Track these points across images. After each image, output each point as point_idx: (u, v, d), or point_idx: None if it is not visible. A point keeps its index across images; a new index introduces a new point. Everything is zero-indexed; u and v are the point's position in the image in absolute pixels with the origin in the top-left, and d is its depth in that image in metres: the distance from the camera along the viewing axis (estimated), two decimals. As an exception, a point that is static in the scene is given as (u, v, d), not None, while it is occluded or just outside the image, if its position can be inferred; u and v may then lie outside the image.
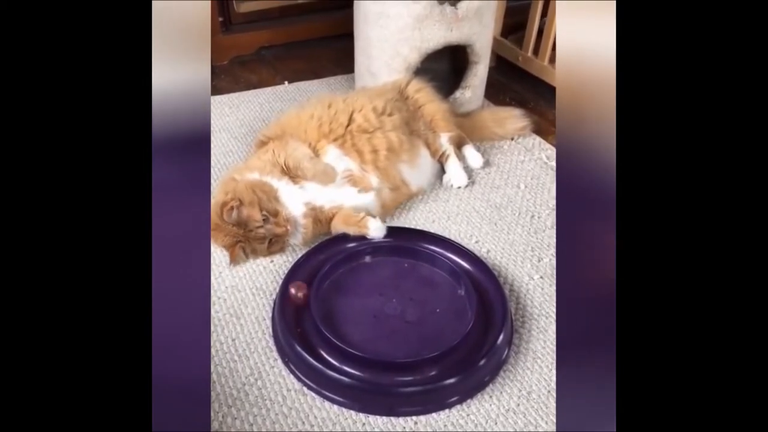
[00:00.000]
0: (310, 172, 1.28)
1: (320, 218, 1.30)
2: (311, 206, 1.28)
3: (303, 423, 0.96)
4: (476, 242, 1.33)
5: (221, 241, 1.23)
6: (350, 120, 1.37)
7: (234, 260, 1.23)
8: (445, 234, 1.32)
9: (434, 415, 0.98)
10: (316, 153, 1.33)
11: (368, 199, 1.33)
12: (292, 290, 1.12)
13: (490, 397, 1.01)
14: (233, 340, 1.10)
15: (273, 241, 1.25)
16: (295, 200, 1.27)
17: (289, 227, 1.23)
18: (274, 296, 1.18)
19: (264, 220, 1.21)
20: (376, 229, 1.26)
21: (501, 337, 1.03)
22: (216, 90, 1.94)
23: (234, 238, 1.22)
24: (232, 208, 1.18)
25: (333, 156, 1.33)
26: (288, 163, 1.29)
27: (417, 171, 1.44)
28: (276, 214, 1.23)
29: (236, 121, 1.77)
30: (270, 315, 1.14)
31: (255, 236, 1.22)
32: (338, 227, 1.29)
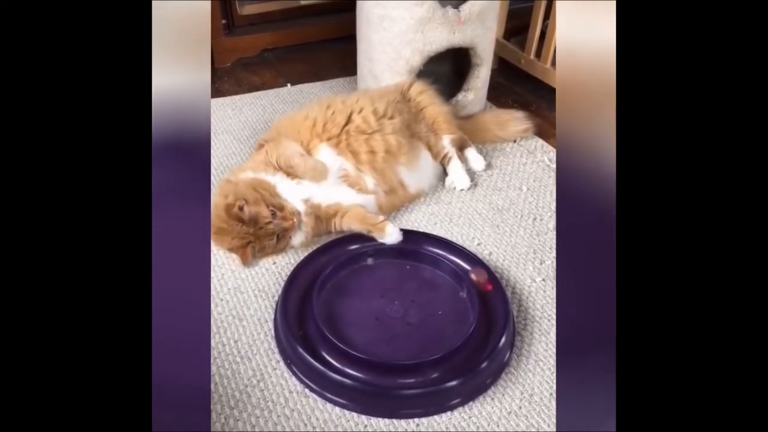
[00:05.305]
0: (300, 169, 1.28)
1: (320, 216, 1.30)
2: (310, 203, 1.28)
3: (305, 425, 0.97)
4: (478, 244, 1.33)
5: (228, 244, 1.23)
6: (348, 121, 1.37)
7: (246, 262, 1.23)
8: (447, 236, 1.32)
9: (436, 417, 0.98)
10: (308, 152, 1.33)
11: (366, 199, 1.33)
12: (474, 277, 1.17)
13: (492, 399, 1.01)
14: (235, 341, 1.10)
15: (280, 236, 1.25)
16: (295, 196, 1.27)
17: (296, 219, 1.24)
18: (276, 298, 1.18)
19: (272, 214, 1.21)
20: (391, 235, 1.25)
21: (503, 339, 1.04)
22: (219, 92, 1.95)
23: (243, 239, 1.22)
24: (241, 207, 1.18)
25: (325, 155, 1.33)
26: (279, 161, 1.29)
27: (417, 173, 1.44)
28: (282, 208, 1.23)
29: (239, 123, 1.78)
30: (272, 317, 1.14)
31: (265, 233, 1.22)
32: (351, 225, 1.28)
